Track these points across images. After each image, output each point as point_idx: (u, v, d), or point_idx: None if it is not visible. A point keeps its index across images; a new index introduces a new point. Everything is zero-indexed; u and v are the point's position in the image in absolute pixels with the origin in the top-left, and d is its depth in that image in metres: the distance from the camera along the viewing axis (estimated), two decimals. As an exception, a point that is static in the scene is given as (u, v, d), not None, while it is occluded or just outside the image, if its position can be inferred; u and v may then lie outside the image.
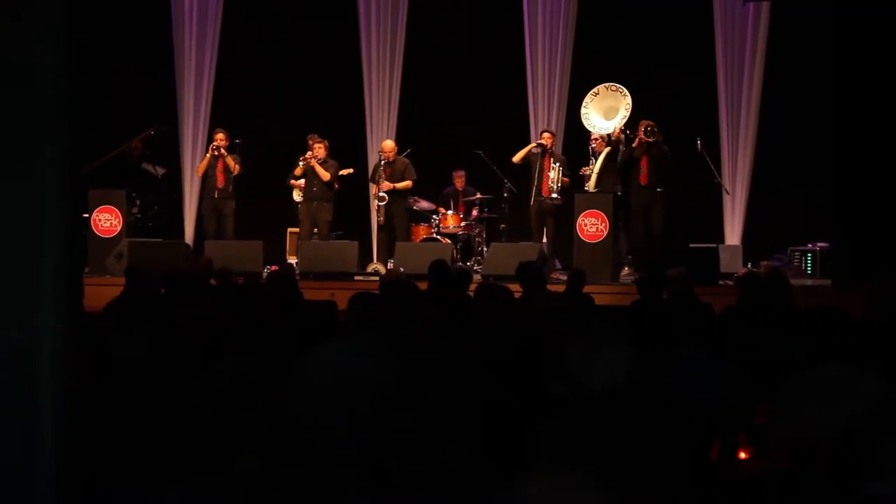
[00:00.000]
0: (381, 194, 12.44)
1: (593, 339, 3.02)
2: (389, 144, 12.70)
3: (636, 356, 3.00)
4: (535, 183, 12.04)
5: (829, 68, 12.94)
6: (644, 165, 11.66)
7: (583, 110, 11.98)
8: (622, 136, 11.72)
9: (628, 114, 11.69)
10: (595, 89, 11.99)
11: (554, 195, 11.87)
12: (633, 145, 11.64)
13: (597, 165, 11.81)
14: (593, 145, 11.89)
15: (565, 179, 12.06)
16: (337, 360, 2.53)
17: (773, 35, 13.22)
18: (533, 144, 12.23)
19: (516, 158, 12.20)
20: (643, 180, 11.68)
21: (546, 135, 12.24)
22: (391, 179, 12.45)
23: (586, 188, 11.79)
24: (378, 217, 12.55)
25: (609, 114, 11.86)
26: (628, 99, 11.70)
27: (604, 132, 11.84)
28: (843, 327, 4.10)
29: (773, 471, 2.58)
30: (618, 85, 11.85)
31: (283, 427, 2.41)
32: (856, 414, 2.29)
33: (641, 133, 11.58)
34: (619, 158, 11.82)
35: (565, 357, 3.02)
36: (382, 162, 12.49)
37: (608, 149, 11.80)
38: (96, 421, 2.88)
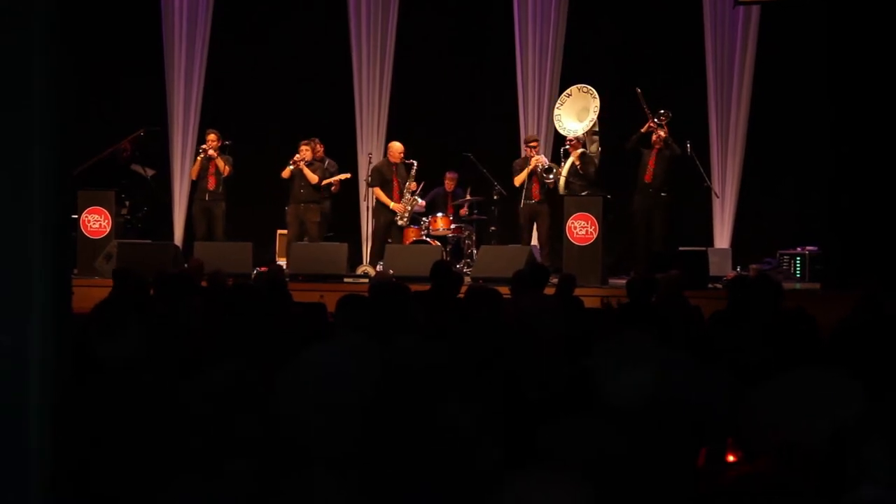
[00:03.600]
0: (415, 196, 12.45)
1: (623, 354, 2.96)
2: (401, 146, 12.62)
3: (661, 373, 2.96)
4: (526, 186, 12.07)
5: (819, 72, 12.98)
6: (651, 164, 11.68)
7: (555, 112, 11.99)
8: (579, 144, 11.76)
9: (596, 116, 11.69)
10: (568, 90, 12.02)
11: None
12: (642, 130, 11.64)
13: (565, 168, 11.81)
14: (567, 147, 11.91)
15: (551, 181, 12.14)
16: (325, 363, 2.53)
17: (763, 39, 13.25)
18: (530, 167, 12.11)
19: (518, 182, 12.18)
20: (647, 178, 11.68)
21: (534, 144, 12.24)
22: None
23: (551, 186, 11.86)
24: (404, 219, 12.44)
25: (582, 115, 11.88)
26: (597, 101, 11.70)
27: (572, 134, 11.84)
28: (836, 333, 4.12)
29: (759, 475, 2.59)
30: (588, 86, 11.85)
31: (273, 429, 2.41)
32: (842, 418, 2.30)
33: (653, 122, 11.57)
34: (628, 145, 11.83)
35: (591, 368, 2.97)
36: (412, 164, 12.44)
37: (581, 151, 11.78)
38: (85, 424, 2.87)
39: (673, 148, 11.63)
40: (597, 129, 11.93)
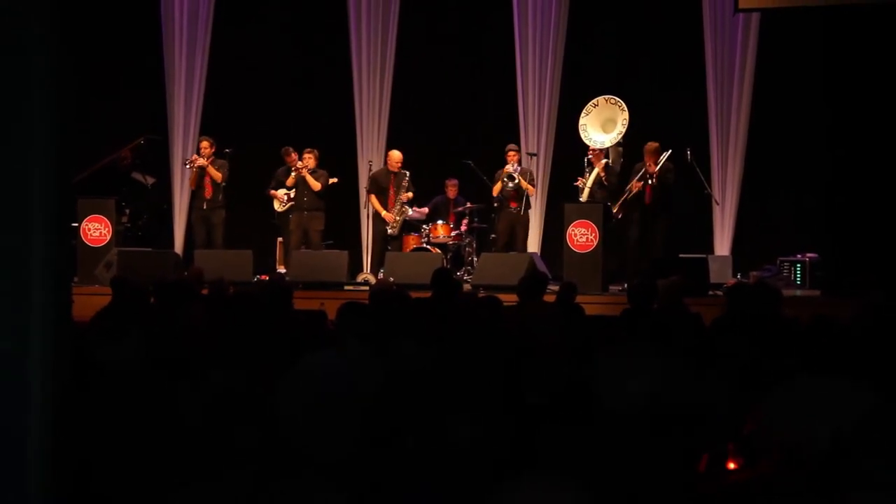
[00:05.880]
0: (406, 206, 12.46)
1: (625, 361, 2.95)
2: (399, 155, 12.65)
3: (663, 380, 2.95)
4: (504, 195, 12.22)
5: (818, 79, 13.01)
6: (648, 190, 11.60)
7: (581, 121, 11.95)
8: (605, 160, 11.73)
9: (624, 129, 11.62)
10: (594, 101, 11.93)
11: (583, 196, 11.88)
12: (634, 189, 11.55)
13: (590, 179, 11.80)
14: (590, 156, 11.88)
15: (531, 188, 12.21)
16: (325, 366, 2.53)
17: (762, 46, 13.27)
18: (505, 175, 12.20)
19: (495, 191, 12.30)
20: (647, 200, 11.60)
21: (512, 154, 12.31)
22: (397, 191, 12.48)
23: (580, 199, 11.83)
24: (394, 228, 12.48)
25: (607, 126, 11.83)
26: (626, 114, 11.61)
27: (599, 145, 11.81)
28: (835, 338, 4.12)
29: (760, 481, 2.59)
30: (616, 98, 11.80)
31: (272, 437, 2.42)
32: (843, 425, 2.30)
33: (640, 182, 11.50)
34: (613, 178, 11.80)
35: (593, 375, 2.96)
36: (405, 173, 12.46)
37: (605, 161, 11.76)
38: (85, 430, 2.87)
39: (664, 179, 11.55)
40: (621, 139, 11.92)
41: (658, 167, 11.49)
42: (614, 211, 11.60)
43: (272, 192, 12.77)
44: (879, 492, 2.13)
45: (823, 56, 12.91)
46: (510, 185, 12.15)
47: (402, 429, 2.32)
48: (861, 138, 12.65)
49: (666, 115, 12.96)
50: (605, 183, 11.72)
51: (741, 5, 12.94)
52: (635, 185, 11.53)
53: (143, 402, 3.22)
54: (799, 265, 12.06)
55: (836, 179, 12.84)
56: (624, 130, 11.62)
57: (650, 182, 11.47)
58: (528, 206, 12.31)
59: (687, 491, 2.78)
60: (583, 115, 11.96)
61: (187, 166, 12.42)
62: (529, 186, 12.20)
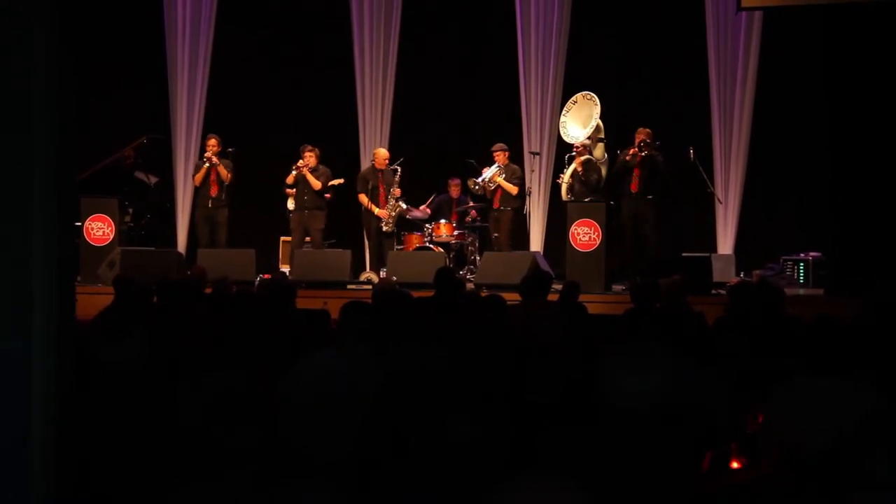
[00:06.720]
0: (399, 202, 12.49)
1: (632, 360, 2.94)
2: (386, 153, 12.70)
3: (669, 379, 2.93)
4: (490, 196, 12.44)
5: (822, 78, 12.99)
6: (636, 173, 11.67)
7: (561, 118, 12.12)
8: (585, 151, 11.81)
9: (596, 123, 11.75)
10: (574, 98, 12.12)
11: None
12: (626, 158, 11.64)
13: (566, 175, 11.89)
14: (574, 153, 11.95)
15: (512, 188, 12.25)
16: (325, 370, 2.53)
17: (765, 45, 13.25)
18: (483, 179, 12.35)
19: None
20: (634, 188, 11.69)
21: (497, 153, 12.40)
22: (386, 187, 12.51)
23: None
24: (389, 224, 12.50)
25: (587, 122, 11.96)
26: (598, 108, 11.76)
27: (574, 140, 11.90)
28: (838, 337, 4.11)
29: (761, 480, 2.59)
30: (591, 94, 11.93)
31: (272, 437, 2.42)
32: (845, 425, 2.30)
33: (635, 148, 11.57)
34: (612, 167, 11.87)
35: (598, 373, 2.95)
36: (396, 169, 12.50)
37: (585, 157, 11.80)
38: (86, 431, 2.87)
39: (654, 159, 11.60)
40: (602, 135, 11.96)
41: (650, 146, 11.55)
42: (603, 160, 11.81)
43: (288, 190, 12.72)
44: (880, 492, 2.13)
45: (826, 55, 12.90)
46: (475, 187, 12.30)
47: (402, 429, 2.32)
48: (864, 137, 12.63)
49: (668, 114, 12.94)
50: (583, 179, 11.74)
51: (744, 3, 12.92)
52: (631, 151, 11.62)
53: (144, 402, 3.22)
54: (802, 264, 12.04)
55: (840, 178, 12.82)
56: (596, 124, 11.74)
57: (641, 151, 11.49)
58: (507, 204, 12.33)
59: (689, 490, 2.78)
60: (563, 112, 12.13)
61: (205, 164, 12.40)
62: (508, 185, 12.25)
